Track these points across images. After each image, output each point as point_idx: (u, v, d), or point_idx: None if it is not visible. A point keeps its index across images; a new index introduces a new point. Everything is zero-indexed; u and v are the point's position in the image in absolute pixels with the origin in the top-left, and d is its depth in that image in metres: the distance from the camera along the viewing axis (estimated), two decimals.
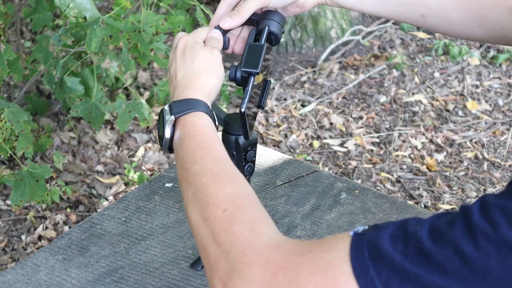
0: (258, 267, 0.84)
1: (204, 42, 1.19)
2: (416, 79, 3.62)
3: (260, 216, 0.91)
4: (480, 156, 3.11)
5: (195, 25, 2.48)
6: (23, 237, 2.63)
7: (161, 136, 1.08)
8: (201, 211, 0.94)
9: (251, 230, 0.88)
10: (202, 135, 1.05)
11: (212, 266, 0.88)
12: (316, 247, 0.84)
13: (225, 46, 1.23)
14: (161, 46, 2.47)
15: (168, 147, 1.08)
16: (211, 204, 0.93)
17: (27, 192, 2.19)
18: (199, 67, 1.13)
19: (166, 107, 1.09)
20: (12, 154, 2.26)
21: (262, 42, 1.21)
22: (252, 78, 1.16)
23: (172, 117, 1.07)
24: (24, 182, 2.19)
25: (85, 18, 2.16)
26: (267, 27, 1.22)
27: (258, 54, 1.18)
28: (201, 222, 0.93)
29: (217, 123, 1.11)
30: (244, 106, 1.15)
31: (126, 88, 3.18)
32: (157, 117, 2.56)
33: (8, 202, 2.72)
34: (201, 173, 0.98)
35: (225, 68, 1.31)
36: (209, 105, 1.10)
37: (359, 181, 2.91)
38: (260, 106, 1.23)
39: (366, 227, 0.83)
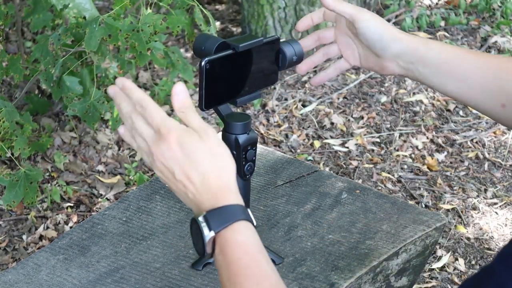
0: None
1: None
2: None
3: None
4: (481, 156, 3.11)
5: (194, 25, 2.48)
6: (24, 237, 2.63)
7: (200, 252, 1.02)
8: None
9: None
10: (246, 257, 0.98)
11: None
12: None
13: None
14: (159, 46, 2.47)
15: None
16: None
17: (20, 193, 2.19)
18: (215, 163, 1.00)
19: (201, 219, 0.99)
20: (10, 155, 2.26)
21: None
22: (231, 51, 1.14)
23: (212, 233, 0.99)
24: (19, 183, 2.19)
25: (84, 18, 2.16)
26: (279, 40, 1.19)
27: (251, 38, 1.15)
28: None
29: (254, 223, 1.01)
30: (206, 59, 1.09)
31: None
32: None
33: None
34: None
35: None
36: (243, 202, 1.01)
37: (360, 181, 2.91)
38: (235, 101, 1.20)
39: None
